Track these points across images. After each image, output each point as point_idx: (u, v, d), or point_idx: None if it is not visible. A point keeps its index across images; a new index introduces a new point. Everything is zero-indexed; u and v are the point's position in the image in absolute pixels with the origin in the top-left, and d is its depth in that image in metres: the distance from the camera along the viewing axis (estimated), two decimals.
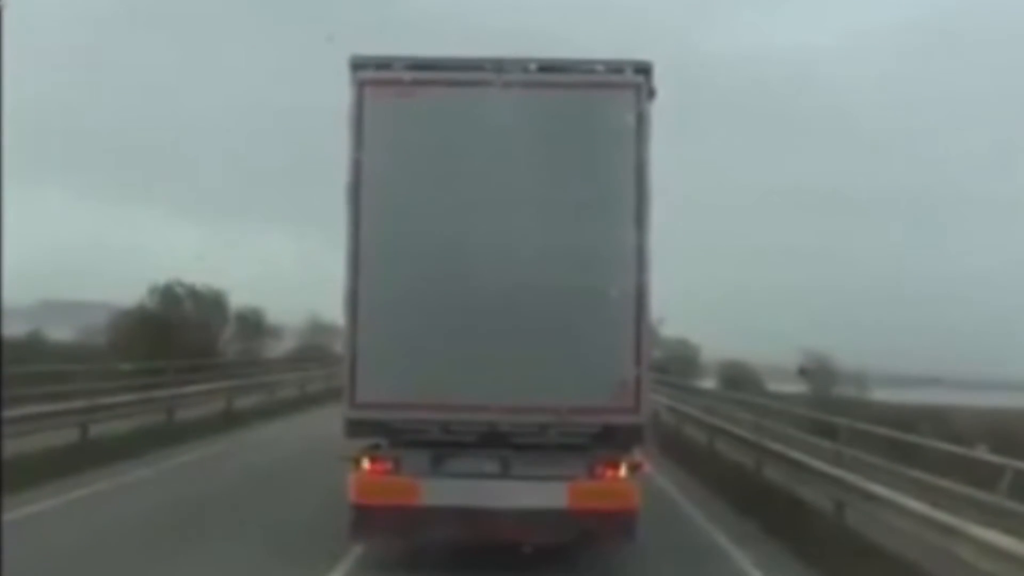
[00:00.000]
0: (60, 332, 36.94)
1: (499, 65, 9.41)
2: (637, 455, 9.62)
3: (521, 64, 9.45)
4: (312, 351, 48.05)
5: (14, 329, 27.67)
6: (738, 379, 45.17)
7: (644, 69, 9.42)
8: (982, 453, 14.25)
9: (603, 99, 9.46)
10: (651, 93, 9.42)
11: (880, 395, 36.78)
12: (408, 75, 9.41)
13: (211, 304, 38.24)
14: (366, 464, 9.40)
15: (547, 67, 9.47)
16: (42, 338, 30.41)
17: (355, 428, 9.37)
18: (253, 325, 42.58)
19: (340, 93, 9.46)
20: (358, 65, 9.42)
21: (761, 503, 13.68)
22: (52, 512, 12.31)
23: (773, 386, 43.13)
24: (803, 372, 37.72)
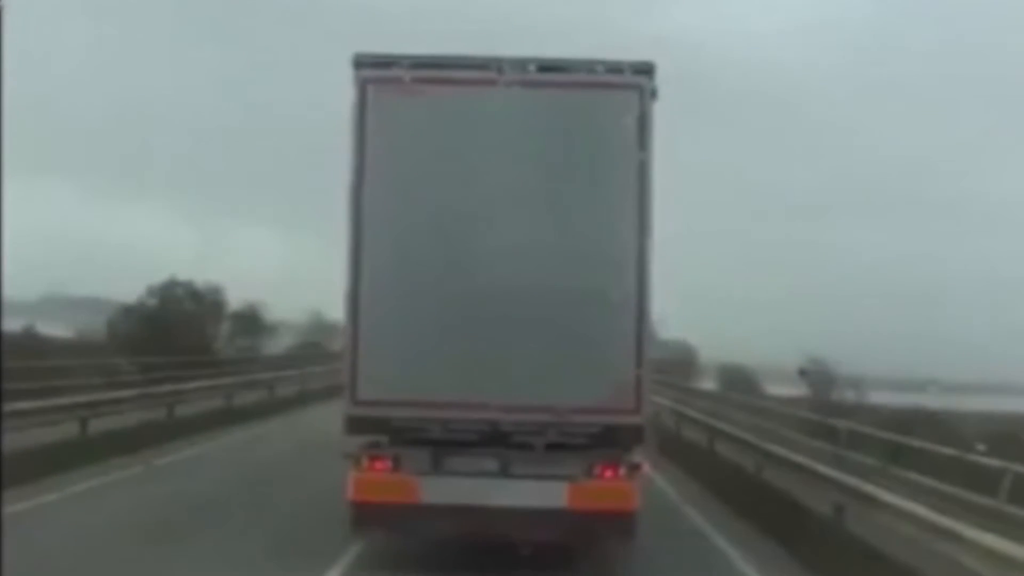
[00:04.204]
0: (60, 328, 36.94)
1: (502, 64, 9.40)
2: (637, 456, 9.62)
3: (524, 63, 9.44)
4: (309, 348, 48.11)
5: (14, 324, 27.67)
6: (735, 381, 45.17)
7: (647, 70, 9.41)
8: (980, 457, 14.28)
9: (606, 99, 9.45)
10: (653, 94, 9.40)
11: (878, 398, 36.71)
12: (411, 73, 9.40)
13: (210, 301, 38.28)
14: (365, 462, 9.39)
15: (549, 67, 9.46)
16: (36, 334, 30.33)
17: (356, 425, 9.37)
18: (251, 322, 42.60)
19: (342, 91, 9.47)
20: (361, 63, 9.40)
21: (760, 506, 13.68)
22: (50, 507, 12.31)
23: (772, 388, 43.10)
24: (803, 374, 37.65)
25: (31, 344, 27.79)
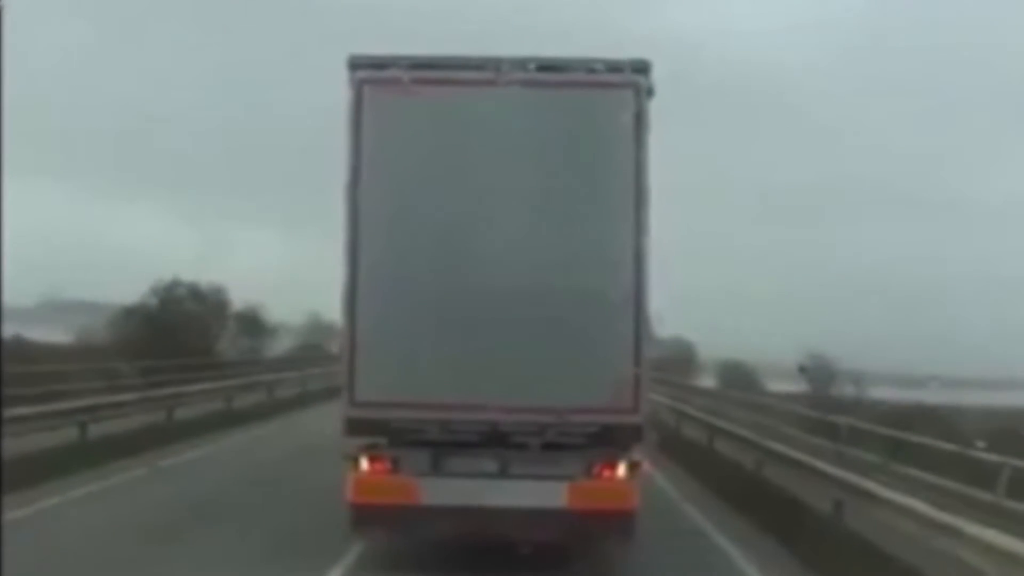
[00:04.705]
0: (60, 332, 36.87)
1: (498, 64, 9.39)
2: (636, 454, 9.62)
3: (520, 63, 9.43)
4: (310, 350, 48.10)
5: (11, 330, 27.54)
6: (735, 379, 45.16)
7: (642, 68, 9.40)
8: (979, 452, 14.31)
9: (602, 98, 9.44)
10: (650, 92, 9.40)
11: (879, 394, 36.75)
12: (407, 74, 9.39)
13: (211, 303, 38.25)
14: (365, 463, 9.39)
15: (546, 66, 9.45)
16: (25, 340, 30.14)
17: (355, 427, 9.36)
18: (252, 324, 42.59)
19: (341, 91, 9.45)
20: (356, 64, 9.40)
21: (760, 503, 13.68)
22: (51, 511, 12.31)
23: (772, 385, 43.10)
24: (803, 370, 37.64)
25: (22, 351, 27.60)
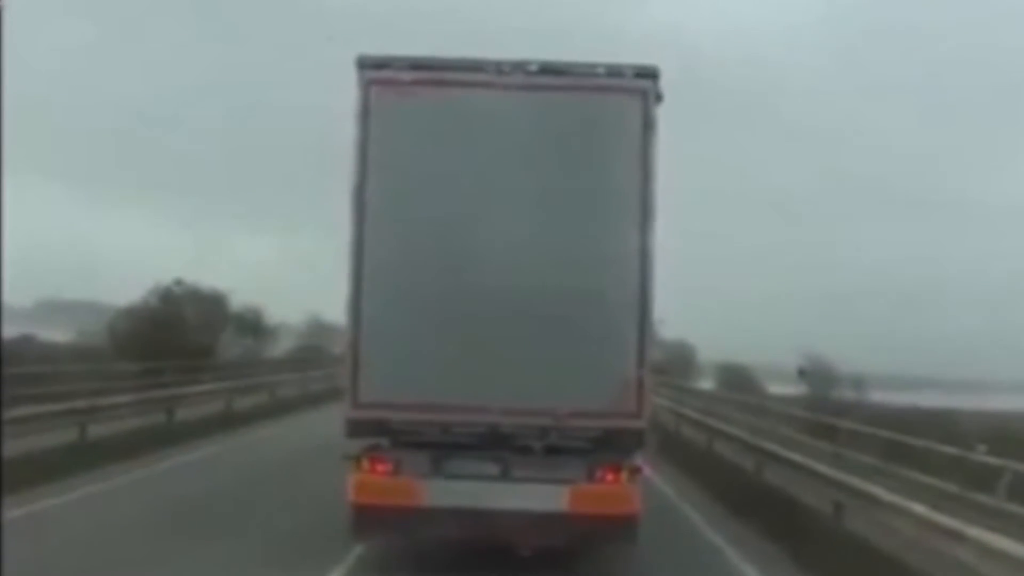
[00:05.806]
0: (60, 333, 36.88)
1: (506, 66, 9.38)
2: (638, 458, 9.62)
3: (527, 65, 9.41)
4: (310, 351, 48.05)
5: (11, 331, 27.55)
6: (735, 381, 45.14)
7: (651, 74, 9.39)
8: (980, 455, 14.28)
9: (611, 103, 9.41)
10: (658, 98, 9.39)
11: (879, 397, 36.76)
12: (414, 75, 9.38)
13: (211, 304, 38.17)
14: (366, 465, 9.40)
15: (552, 69, 9.43)
16: (32, 339, 30.15)
17: (356, 428, 9.37)
18: (252, 325, 42.51)
19: (339, 93, 9.46)
20: (365, 65, 9.40)
21: (760, 505, 13.69)
22: (50, 512, 12.31)
23: (772, 387, 43.10)
24: (802, 373, 37.60)
25: (24, 351, 27.61)
